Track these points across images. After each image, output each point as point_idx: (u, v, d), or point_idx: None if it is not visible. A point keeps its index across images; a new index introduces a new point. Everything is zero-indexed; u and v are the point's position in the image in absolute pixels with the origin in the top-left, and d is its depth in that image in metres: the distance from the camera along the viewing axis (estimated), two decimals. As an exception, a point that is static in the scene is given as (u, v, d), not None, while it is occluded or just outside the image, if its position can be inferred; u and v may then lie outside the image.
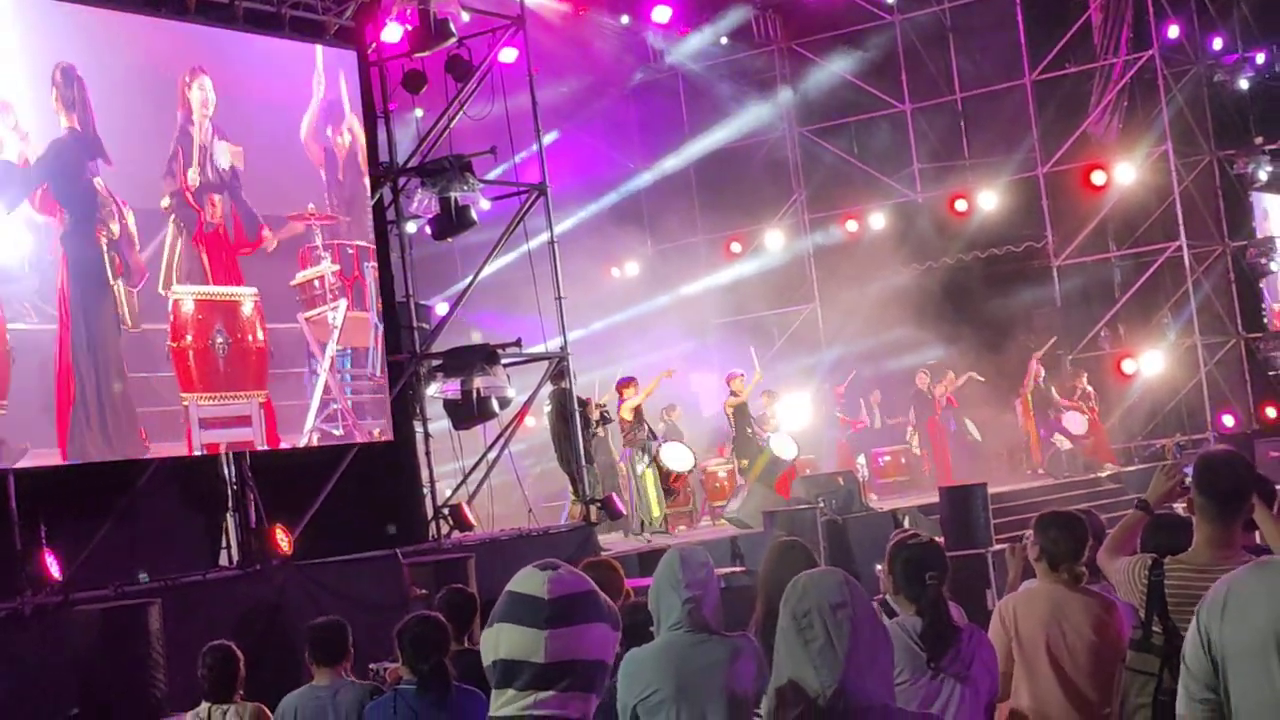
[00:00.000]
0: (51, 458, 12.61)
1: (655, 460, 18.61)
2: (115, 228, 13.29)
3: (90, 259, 13.06)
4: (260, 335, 14.53)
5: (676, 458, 19.15)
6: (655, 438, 19.08)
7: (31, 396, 12.49)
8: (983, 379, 23.79)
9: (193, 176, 14.12)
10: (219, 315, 14.17)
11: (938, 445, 23.30)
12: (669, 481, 18.98)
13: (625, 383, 19.01)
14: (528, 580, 3.03)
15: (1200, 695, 3.43)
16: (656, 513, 18.17)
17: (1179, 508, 6.71)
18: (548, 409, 18.06)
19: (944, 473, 22.55)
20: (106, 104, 13.41)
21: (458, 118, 17.29)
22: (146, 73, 14.02)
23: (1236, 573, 3.51)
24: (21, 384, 12.37)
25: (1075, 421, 22.69)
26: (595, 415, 18.48)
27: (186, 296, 13.90)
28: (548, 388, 17.74)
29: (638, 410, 18.80)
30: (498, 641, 3.02)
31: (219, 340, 14.06)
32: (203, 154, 14.22)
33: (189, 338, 13.87)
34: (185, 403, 13.71)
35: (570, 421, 17.47)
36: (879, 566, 5.98)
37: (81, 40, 13.42)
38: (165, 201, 13.84)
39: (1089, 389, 23.27)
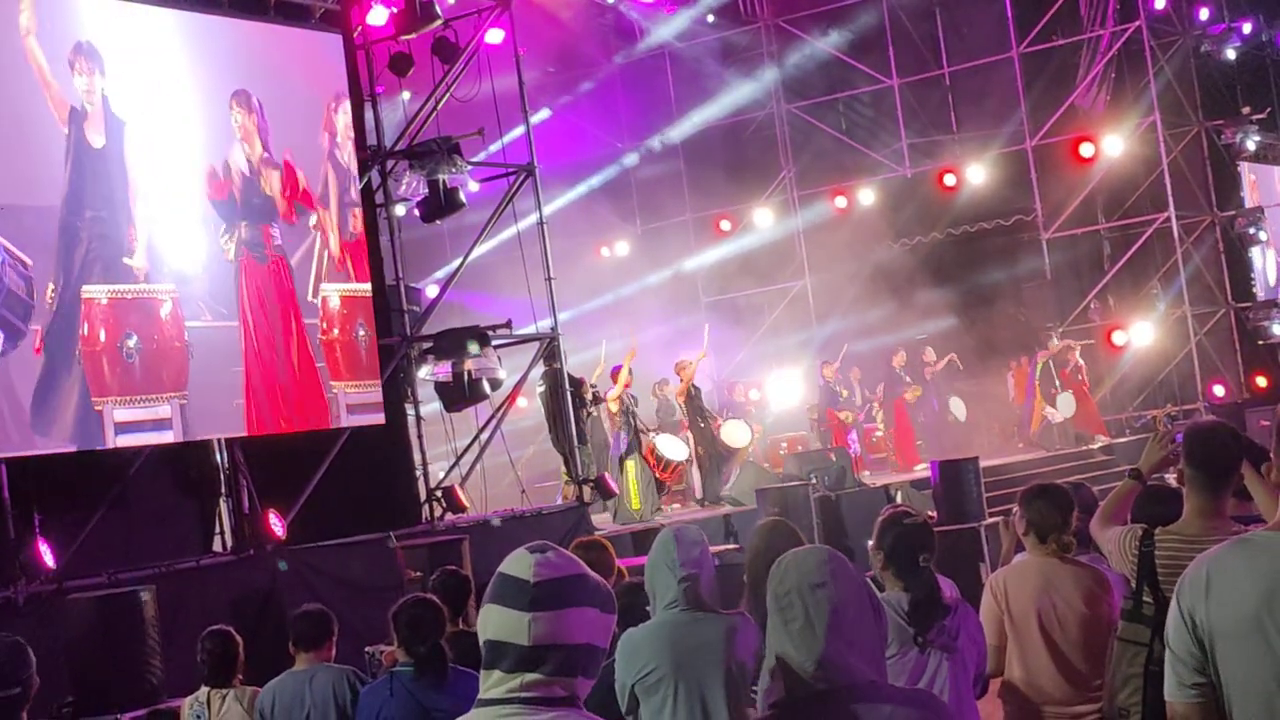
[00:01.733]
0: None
1: (645, 454, 18.53)
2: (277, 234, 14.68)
3: (264, 265, 14.49)
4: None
5: (671, 448, 19.07)
6: (642, 430, 18.94)
7: (209, 387, 13.64)
8: (961, 366, 23.75)
9: (340, 197, 15.35)
10: (360, 310, 15.38)
11: (901, 426, 23.23)
12: (663, 471, 18.89)
13: (617, 371, 18.93)
14: (516, 562, 3.05)
15: (1191, 680, 3.40)
16: (636, 505, 18.12)
17: (1170, 478, 6.74)
18: (541, 390, 18.05)
19: (907, 455, 22.54)
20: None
21: (445, 100, 17.26)
22: (297, 91, 15.27)
23: (1215, 552, 3.49)
24: (200, 377, 13.53)
25: (1065, 403, 22.70)
26: (589, 395, 18.46)
27: (333, 293, 15.12)
28: (540, 368, 17.74)
29: (621, 401, 18.71)
30: (486, 622, 3.05)
31: (361, 334, 15.36)
32: (346, 176, 15.44)
33: (336, 331, 15.07)
34: (334, 391, 14.93)
35: (562, 402, 17.48)
36: (871, 543, 5.99)
37: (249, 59, 14.78)
38: (314, 219, 15.06)
39: (1080, 362, 23.31)
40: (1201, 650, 3.38)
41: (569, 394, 17.53)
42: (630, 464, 18.27)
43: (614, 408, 18.58)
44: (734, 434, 19.89)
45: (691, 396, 19.82)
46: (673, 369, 20.20)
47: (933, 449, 22.26)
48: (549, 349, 17.52)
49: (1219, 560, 3.42)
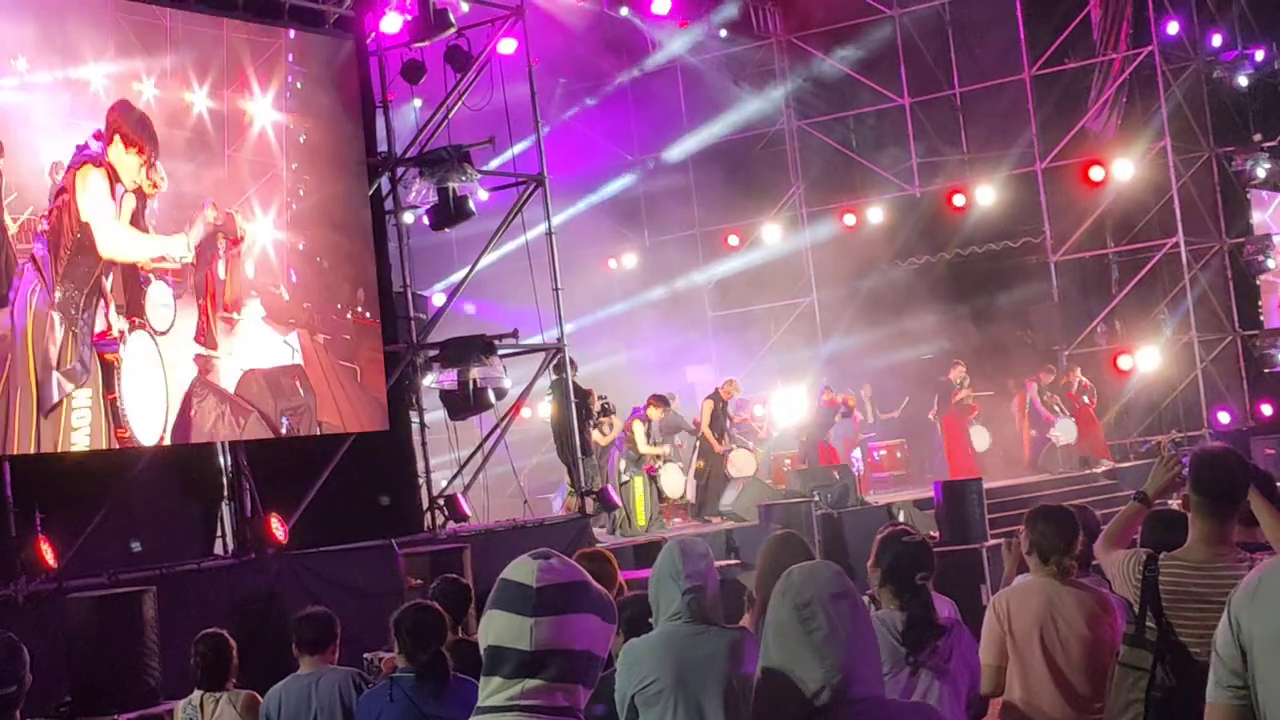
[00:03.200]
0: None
1: (650, 478, 18.54)
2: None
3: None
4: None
5: (670, 485, 19.06)
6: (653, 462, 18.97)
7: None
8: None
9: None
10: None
11: (951, 440, 23.08)
12: (660, 500, 18.90)
13: (655, 400, 18.92)
14: (519, 568, 3.05)
15: (1228, 681, 3.46)
16: (642, 521, 18.11)
17: (1174, 503, 6.72)
18: (548, 397, 18.02)
19: (952, 467, 22.37)
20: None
21: (456, 108, 17.27)
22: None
23: (1271, 561, 3.55)
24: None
25: (1065, 430, 22.69)
26: (596, 406, 18.44)
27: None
28: (547, 379, 17.71)
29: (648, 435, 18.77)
30: (488, 627, 3.05)
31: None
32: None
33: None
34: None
35: (568, 413, 17.44)
36: (869, 561, 5.96)
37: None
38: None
39: (1084, 380, 23.26)
40: (1241, 655, 3.41)
41: (575, 405, 17.50)
42: (637, 480, 18.27)
43: (642, 444, 18.56)
44: (741, 464, 19.87)
45: (717, 415, 19.79)
46: (722, 387, 20.11)
47: (940, 470, 22.24)
48: (555, 360, 17.48)
49: (1270, 569, 3.46)
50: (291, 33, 15.34)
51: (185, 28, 14.33)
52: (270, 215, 14.95)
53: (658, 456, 18.71)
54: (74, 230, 12.91)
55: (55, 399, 12.55)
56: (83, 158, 13.12)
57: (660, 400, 19.00)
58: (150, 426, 13.44)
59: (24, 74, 12.84)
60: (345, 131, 15.88)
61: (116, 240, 13.29)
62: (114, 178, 13.35)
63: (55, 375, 12.55)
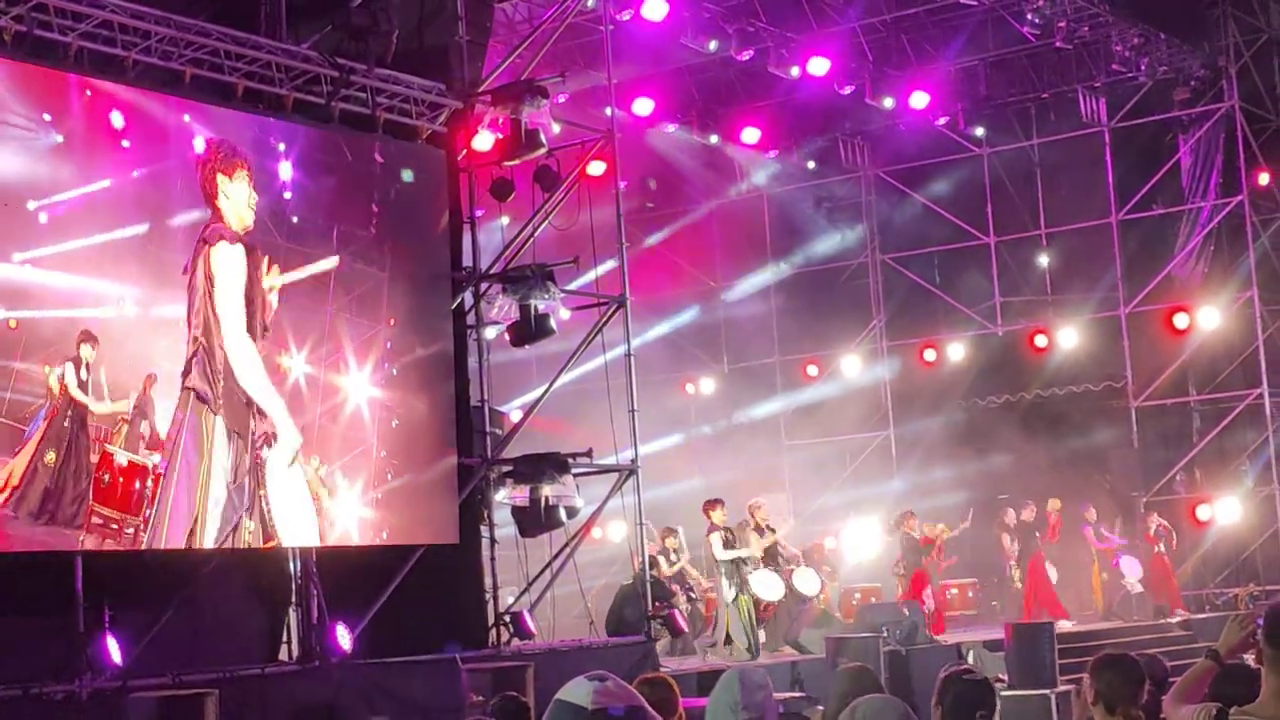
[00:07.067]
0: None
1: (745, 587, 18.34)
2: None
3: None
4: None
5: (766, 586, 18.79)
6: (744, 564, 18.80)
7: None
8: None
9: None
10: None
11: (1039, 581, 22.57)
12: (759, 610, 18.66)
13: (711, 504, 18.75)
14: (575, 690, 3.05)
15: None
16: (745, 641, 17.88)
17: (1248, 658, 6.60)
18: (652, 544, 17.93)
19: (1052, 609, 21.87)
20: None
21: (543, 227, 17.42)
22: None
23: None
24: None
25: (1131, 566, 22.41)
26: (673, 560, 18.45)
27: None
28: (619, 499, 17.55)
29: (727, 542, 18.61)
30: None
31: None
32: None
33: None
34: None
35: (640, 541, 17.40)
36: (932, 701, 5.89)
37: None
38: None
39: (1164, 523, 22.93)
40: None
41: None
42: (743, 600, 18.00)
43: (720, 555, 18.38)
44: (805, 582, 19.61)
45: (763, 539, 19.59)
46: (756, 515, 19.92)
47: (1008, 611, 21.95)
48: (627, 481, 17.40)
49: None
50: (392, 320, 15.55)
51: (286, 302, 14.46)
52: (356, 489, 14.91)
53: (744, 559, 18.41)
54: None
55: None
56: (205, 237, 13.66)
57: (716, 503, 18.79)
58: (302, 529, 14.20)
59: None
60: (438, 401, 15.96)
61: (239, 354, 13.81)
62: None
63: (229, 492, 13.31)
